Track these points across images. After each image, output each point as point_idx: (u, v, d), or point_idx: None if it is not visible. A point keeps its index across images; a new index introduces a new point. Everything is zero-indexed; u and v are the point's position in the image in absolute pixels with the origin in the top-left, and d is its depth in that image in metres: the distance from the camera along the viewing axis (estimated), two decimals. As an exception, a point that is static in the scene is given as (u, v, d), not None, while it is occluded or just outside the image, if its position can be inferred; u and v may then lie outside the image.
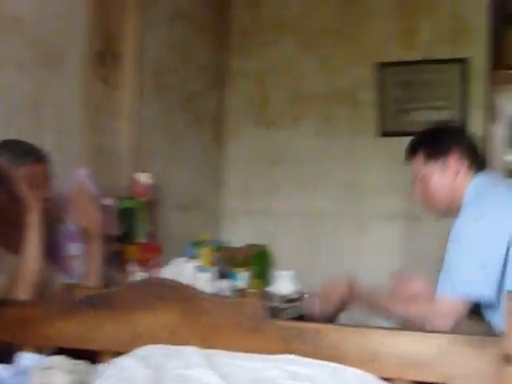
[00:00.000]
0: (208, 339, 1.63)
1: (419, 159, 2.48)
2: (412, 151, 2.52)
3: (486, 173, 2.47)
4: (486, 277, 2.20)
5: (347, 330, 1.56)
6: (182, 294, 1.70)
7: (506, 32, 4.56)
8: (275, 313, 2.99)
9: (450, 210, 2.46)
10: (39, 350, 1.84)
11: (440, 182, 2.46)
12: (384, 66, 4.48)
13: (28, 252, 2.13)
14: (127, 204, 3.34)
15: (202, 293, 1.75)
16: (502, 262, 2.20)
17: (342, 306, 2.48)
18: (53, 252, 2.70)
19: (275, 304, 3.13)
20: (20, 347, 1.84)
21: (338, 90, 4.62)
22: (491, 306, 2.25)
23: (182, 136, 4.26)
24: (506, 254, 2.20)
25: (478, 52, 4.32)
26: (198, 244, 3.54)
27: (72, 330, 1.79)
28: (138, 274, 2.87)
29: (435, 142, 2.48)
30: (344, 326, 1.61)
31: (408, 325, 2.33)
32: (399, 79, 4.47)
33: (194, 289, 1.77)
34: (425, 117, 4.37)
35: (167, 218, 3.87)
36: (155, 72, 3.94)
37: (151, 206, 3.55)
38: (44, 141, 2.83)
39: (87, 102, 3.26)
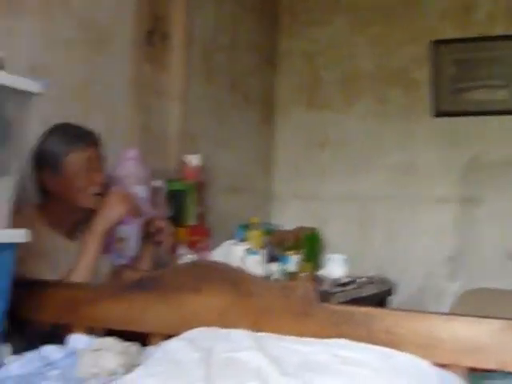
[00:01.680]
0: (257, 322, 1.62)
1: None
2: None
3: None
4: None
5: (401, 314, 1.54)
6: (231, 277, 1.69)
7: None
8: (326, 297, 2.97)
9: None
10: (89, 332, 1.85)
11: None
12: (439, 43, 4.41)
13: (80, 269, 2.15)
14: (176, 186, 3.34)
15: (251, 276, 1.74)
16: None
17: None
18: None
19: (326, 288, 3.10)
20: (70, 329, 1.86)
21: (391, 70, 4.57)
22: None
23: (230, 117, 4.25)
24: None
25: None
26: (247, 227, 3.53)
27: (121, 312, 1.80)
28: (187, 257, 2.87)
29: None
30: (397, 309, 1.58)
31: None
32: (455, 57, 4.40)
33: (243, 271, 1.77)
34: (482, 96, 4.30)
35: (216, 200, 3.87)
36: (203, 52, 3.93)
37: (200, 188, 3.55)
38: (93, 122, 2.84)
39: (136, 82, 3.27)
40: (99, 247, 2.19)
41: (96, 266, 2.19)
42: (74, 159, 2.26)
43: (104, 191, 2.34)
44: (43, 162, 2.26)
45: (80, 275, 2.12)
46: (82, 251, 2.18)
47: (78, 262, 2.16)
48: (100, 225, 2.21)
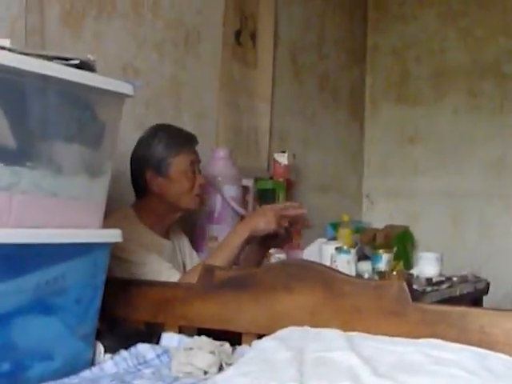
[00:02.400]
0: (349, 322, 1.61)
1: None
2: None
3: None
4: None
5: (496, 313, 1.51)
6: (322, 276, 1.69)
7: None
8: (419, 296, 2.93)
9: None
10: (180, 331, 1.88)
11: None
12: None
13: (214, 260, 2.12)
14: (266, 185, 3.36)
15: (343, 275, 1.74)
16: None
17: None
18: (196, 233, 2.77)
19: (419, 287, 3.06)
20: (162, 327, 1.89)
21: (482, 64, 4.47)
22: None
23: (319, 116, 4.24)
24: None
25: None
26: (337, 225, 3.51)
27: (211, 311, 1.81)
28: (277, 256, 2.87)
29: None
30: (493, 309, 1.55)
31: None
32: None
33: (334, 271, 1.76)
34: None
35: (306, 199, 3.87)
36: (291, 50, 3.94)
37: (290, 187, 3.56)
38: (183, 121, 2.89)
39: (225, 82, 3.30)
40: (238, 250, 2.15)
41: (232, 262, 2.15)
42: (180, 162, 2.33)
43: (204, 192, 2.40)
44: (148, 163, 2.31)
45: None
46: (220, 247, 2.18)
47: (214, 255, 2.16)
48: (247, 229, 2.15)
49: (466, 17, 4.51)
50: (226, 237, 2.21)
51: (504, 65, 4.40)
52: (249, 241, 2.17)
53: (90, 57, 1.66)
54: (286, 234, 2.26)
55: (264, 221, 2.14)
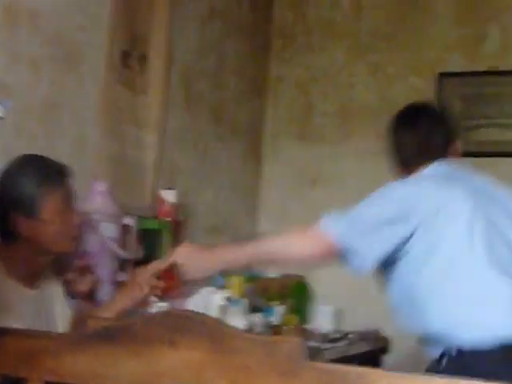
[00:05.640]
0: (237, 381, 1.61)
1: None
2: None
3: None
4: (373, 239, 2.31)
5: (397, 375, 1.53)
6: (209, 330, 1.68)
7: None
8: (315, 354, 2.96)
9: None
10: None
11: None
12: (445, 76, 4.45)
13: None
14: (150, 224, 3.33)
15: (231, 328, 1.73)
16: (402, 236, 2.30)
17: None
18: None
19: (315, 343, 3.09)
20: (25, 382, 1.84)
21: (391, 104, 4.58)
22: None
23: (213, 150, 4.25)
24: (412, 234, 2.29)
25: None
26: (227, 273, 3.52)
27: (85, 365, 1.77)
28: (158, 305, 2.85)
29: None
30: (394, 371, 1.57)
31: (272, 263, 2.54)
32: (462, 92, 4.44)
33: (222, 323, 1.75)
34: (490, 136, 4.32)
35: (195, 241, 3.84)
36: (185, 77, 3.95)
37: (177, 227, 3.54)
38: (58, 150, 2.85)
39: (108, 107, 3.27)
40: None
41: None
42: (52, 201, 2.25)
43: (79, 233, 2.37)
44: (15, 204, 2.23)
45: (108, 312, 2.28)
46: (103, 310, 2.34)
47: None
48: (121, 304, 2.37)
49: (375, 52, 4.64)
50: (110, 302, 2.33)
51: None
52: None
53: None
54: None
55: (138, 289, 2.36)
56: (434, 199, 2.34)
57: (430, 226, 2.30)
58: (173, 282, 2.48)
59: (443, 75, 4.45)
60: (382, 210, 2.38)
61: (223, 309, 2.77)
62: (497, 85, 4.39)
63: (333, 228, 2.38)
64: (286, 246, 2.46)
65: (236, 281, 3.42)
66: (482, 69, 4.41)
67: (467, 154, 4.34)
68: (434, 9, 4.55)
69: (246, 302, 3.13)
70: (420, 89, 4.51)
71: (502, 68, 4.36)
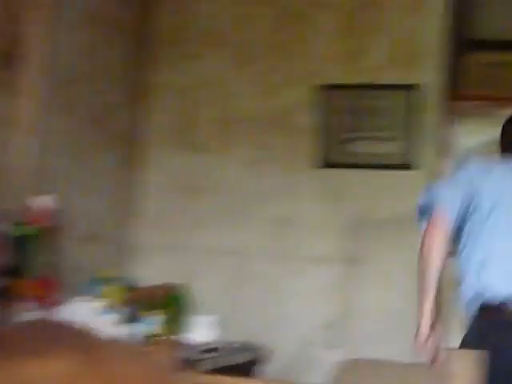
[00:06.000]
0: (109, 393, 1.59)
1: None
2: None
3: None
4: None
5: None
6: (79, 339, 1.66)
7: (464, 59, 4.64)
8: (189, 364, 2.95)
9: None
10: None
11: None
12: (326, 88, 4.51)
13: None
14: (22, 231, 3.26)
15: (103, 338, 1.71)
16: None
17: None
18: None
19: (190, 354, 3.09)
20: None
21: (273, 113, 4.62)
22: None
23: (91, 156, 4.20)
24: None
25: (430, 79, 4.40)
26: (102, 281, 3.48)
27: None
28: (29, 314, 2.79)
29: None
30: (269, 381, 1.59)
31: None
32: (342, 104, 4.51)
33: (94, 333, 1.73)
34: (366, 148, 4.41)
35: (71, 249, 3.80)
36: (65, 80, 3.89)
37: (51, 234, 3.47)
38: None
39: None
40: None
41: None
42: None
43: None
44: None
45: None
46: None
47: None
48: None
49: (260, 62, 4.66)
50: None
51: (296, 117, 4.56)
52: None
53: None
54: None
55: None
56: None
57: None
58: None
59: (323, 87, 4.51)
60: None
61: (97, 318, 2.73)
62: (372, 98, 4.48)
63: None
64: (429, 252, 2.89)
65: (111, 289, 3.38)
66: (360, 82, 4.49)
67: (346, 166, 4.46)
68: (318, 21, 4.60)
69: (122, 311, 3.10)
70: (301, 100, 4.55)
71: (379, 82, 4.45)
